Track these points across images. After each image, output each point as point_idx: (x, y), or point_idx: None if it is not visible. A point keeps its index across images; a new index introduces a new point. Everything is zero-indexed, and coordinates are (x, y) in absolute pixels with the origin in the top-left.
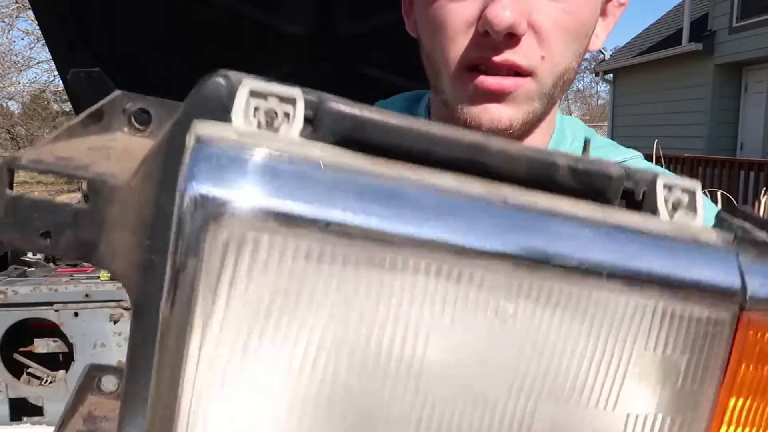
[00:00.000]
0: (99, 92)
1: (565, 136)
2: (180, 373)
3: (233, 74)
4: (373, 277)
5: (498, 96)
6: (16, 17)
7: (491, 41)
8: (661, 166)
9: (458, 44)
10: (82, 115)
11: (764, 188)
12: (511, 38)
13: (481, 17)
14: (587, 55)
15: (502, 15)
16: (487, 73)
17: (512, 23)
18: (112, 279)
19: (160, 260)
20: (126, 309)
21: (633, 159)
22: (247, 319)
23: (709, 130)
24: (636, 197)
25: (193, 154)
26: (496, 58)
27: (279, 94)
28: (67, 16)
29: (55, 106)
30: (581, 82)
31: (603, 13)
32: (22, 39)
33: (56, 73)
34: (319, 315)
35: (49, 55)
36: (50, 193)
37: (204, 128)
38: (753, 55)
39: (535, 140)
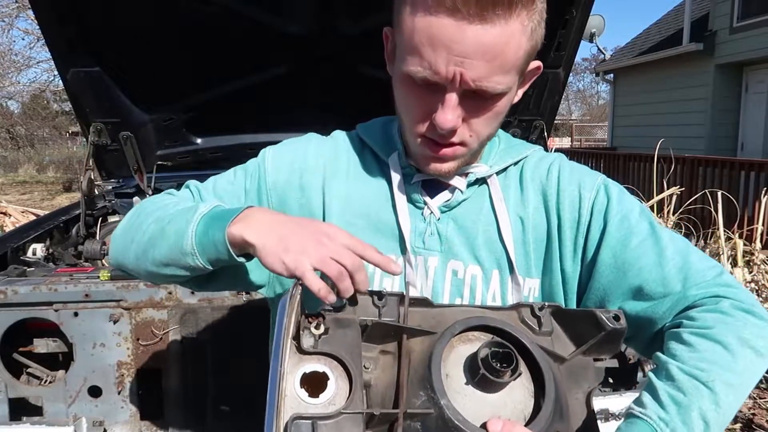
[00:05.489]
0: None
1: (491, 147)
2: None
3: None
4: None
5: (441, 158)
6: (16, 17)
7: (439, 132)
8: (663, 166)
9: (420, 125)
10: None
11: (764, 188)
12: (451, 131)
13: (434, 117)
14: (587, 56)
15: (446, 121)
16: (435, 143)
17: (452, 126)
18: (113, 279)
19: None
20: (125, 309)
21: (536, 152)
22: None
23: (709, 130)
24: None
25: None
26: (440, 140)
27: None
28: (67, 16)
29: (55, 106)
30: (581, 82)
31: (523, 84)
32: (22, 39)
33: (56, 72)
34: None
35: (49, 55)
36: (50, 193)
37: None
38: (753, 56)
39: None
